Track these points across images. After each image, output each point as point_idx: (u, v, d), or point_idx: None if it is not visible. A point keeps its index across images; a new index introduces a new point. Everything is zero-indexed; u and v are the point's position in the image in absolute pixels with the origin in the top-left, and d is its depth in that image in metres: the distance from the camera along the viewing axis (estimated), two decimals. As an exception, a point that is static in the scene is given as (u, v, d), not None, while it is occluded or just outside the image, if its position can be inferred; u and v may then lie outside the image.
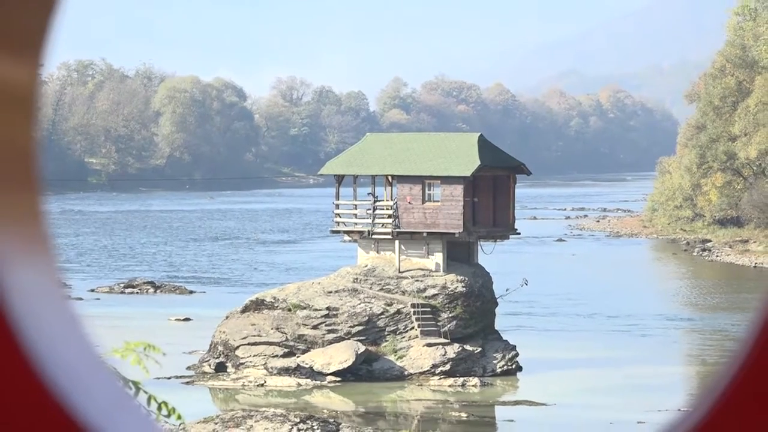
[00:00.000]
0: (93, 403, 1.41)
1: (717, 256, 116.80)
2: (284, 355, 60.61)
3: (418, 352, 60.39)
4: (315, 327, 61.28)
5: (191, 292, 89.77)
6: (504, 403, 55.28)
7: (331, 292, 62.57)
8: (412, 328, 61.15)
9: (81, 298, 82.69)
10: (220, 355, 61.53)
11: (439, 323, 61.39)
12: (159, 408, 12.78)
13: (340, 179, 65.97)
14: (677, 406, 50.91)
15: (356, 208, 65.37)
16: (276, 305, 62.48)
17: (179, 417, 13.57)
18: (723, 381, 1.31)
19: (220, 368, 60.77)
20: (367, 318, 61.27)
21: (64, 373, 1.40)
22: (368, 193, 65.42)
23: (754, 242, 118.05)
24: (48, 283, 1.58)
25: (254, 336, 61.31)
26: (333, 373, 59.06)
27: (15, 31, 1.50)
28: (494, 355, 61.09)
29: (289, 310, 62.02)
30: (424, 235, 63.23)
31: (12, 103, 1.54)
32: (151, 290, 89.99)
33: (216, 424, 47.24)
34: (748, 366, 1.24)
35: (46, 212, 1.67)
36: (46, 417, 1.31)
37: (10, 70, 1.52)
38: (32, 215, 1.60)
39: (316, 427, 46.73)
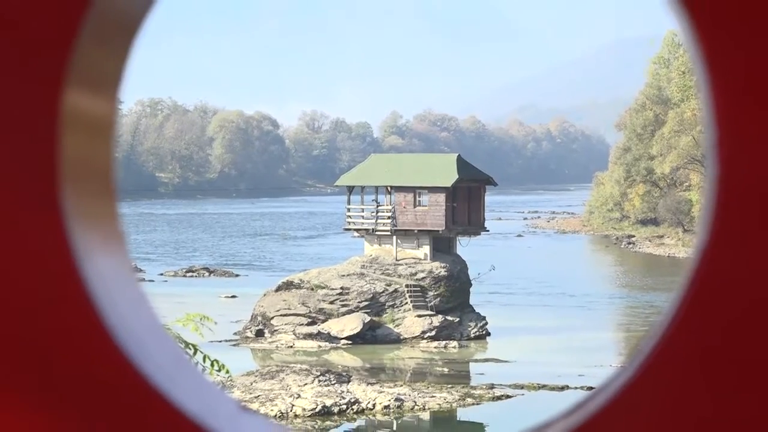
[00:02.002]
0: (156, 363, 1.42)
1: (639, 248, 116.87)
2: (308, 324, 60.65)
3: (410, 322, 60.40)
4: (332, 302, 61.32)
5: (237, 275, 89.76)
6: (476, 361, 55.29)
7: (344, 275, 62.63)
8: (406, 303, 61.17)
9: (152, 280, 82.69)
10: (259, 323, 61.56)
11: (426, 299, 61.43)
12: (212, 364, 12.81)
13: (350, 189, 66.05)
14: (610, 363, 50.91)
15: (363, 211, 65.48)
16: (302, 285, 62.54)
17: (227, 371, 13.60)
18: (649, 344, 1.34)
19: (259, 334, 60.80)
20: (371, 295, 61.30)
21: (133, 339, 1.40)
22: (372, 200, 65.49)
23: (668, 238, 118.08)
24: (122, 269, 1.56)
25: (285, 309, 61.37)
26: (345, 338, 59.10)
27: (98, 74, 1.48)
28: (469, 323, 61.11)
29: (312, 289, 62.05)
30: (416, 232, 63.28)
31: (95, 131, 1.53)
32: (207, 274, 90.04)
33: (255, 376, 47.26)
34: (669, 333, 1.28)
35: (122, 215, 1.66)
36: (118, 375, 1.33)
37: (94, 104, 1.50)
38: (109, 217, 1.58)
39: (332, 379, 46.72)
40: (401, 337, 59.69)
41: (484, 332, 60.86)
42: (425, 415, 43.99)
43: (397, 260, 63.08)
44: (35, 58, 1.35)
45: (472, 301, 63.00)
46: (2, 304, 1.35)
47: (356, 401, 44.21)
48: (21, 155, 1.36)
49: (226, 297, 74.49)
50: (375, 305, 61.17)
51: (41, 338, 1.34)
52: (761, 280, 1.26)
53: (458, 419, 43.87)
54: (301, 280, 63.22)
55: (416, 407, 44.34)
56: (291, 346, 58.67)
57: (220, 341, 54.75)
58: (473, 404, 45.04)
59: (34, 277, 1.35)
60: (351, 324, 59.77)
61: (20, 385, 1.34)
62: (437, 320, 60.26)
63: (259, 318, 61.80)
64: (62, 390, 1.35)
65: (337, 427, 42.35)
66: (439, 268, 62.42)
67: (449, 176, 63.20)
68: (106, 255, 1.49)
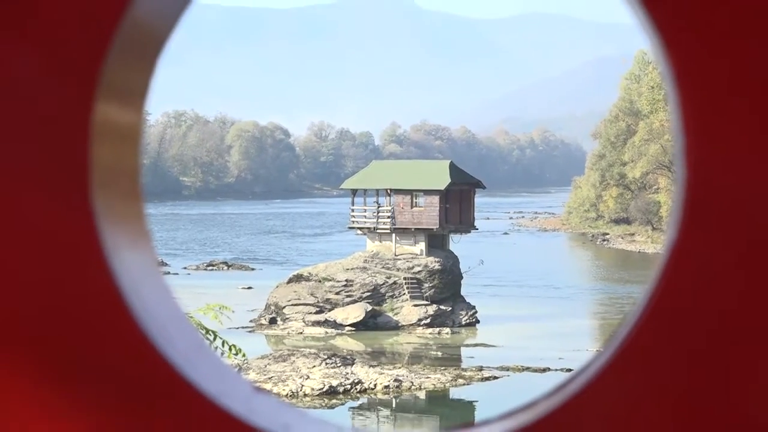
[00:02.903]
0: (178, 349, 1.43)
1: (613, 244, 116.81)
2: (316, 312, 60.64)
3: (408, 310, 60.41)
4: (337, 293, 61.31)
5: (252, 269, 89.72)
6: (467, 345, 55.28)
7: (348, 269, 62.63)
8: (404, 294, 61.18)
9: (177, 273, 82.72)
10: (272, 312, 61.56)
11: (422, 290, 61.43)
12: (230, 349, 12.79)
13: (354, 192, 66.06)
14: (588, 348, 50.92)
15: (365, 212, 65.47)
16: (311, 278, 62.54)
17: (244, 355, 13.58)
18: (623, 331, 1.37)
19: (272, 321, 60.80)
20: (373, 287, 61.30)
21: (157, 327, 1.41)
22: (374, 201, 65.49)
23: (639, 235, 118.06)
24: (147, 264, 1.56)
25: (296, 299, 61.37)
26: (350, 325, 59.11)
27: (125, 88, 1.49)
28: (460, 312, 61.11)
29: (320, 281, 62.04)
30: (412, 230, 63.29)
31: (123, 140, 1.53)
32: (225, 268, 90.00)
33: (269, 359, 47.28)
34: (641, 321, 1.31)
35: (149, 215, 1.67)
36: (143, 360, 1.35)
37: (122, 115, 1.50)
38: (136, 217, 1.58)
39: (338, 362, 46.74)
40: (399, 325, 59.70)
41: (473, 320, 60.87)
42: (421, 394, 44.01)
43: (395, 255, 63.08)
44: (69, 73, 1.37)
45: (463, 292, 63.01)
46: (38, 296, 1.36)
47: (359, 382, 44.24)
48: (56, 161, 1.38)
49: (242, 288, 74.48)
50: (376, 296, 61.19)
51: (73, 326, 1.36)
52: (725, 273, 1.29)
53: (451, 398, 43.90)
54: (309, 273, 63.23)
55: (413, 387, 44.36)
56: (301, 333, 58.69)
57: (238, 328, 54.76)
58: (464, 384, 45.06)
59: (68, 271, 1.37)
60: (354, 312, 59.78)
61: (53, 369, 1.35)
62: (432, 309, 60.27)
63: (273, 307, 61.81)
64: (91, 373, 1.36)
65: (342, 404, 42.36)
66: (433, 262, 62.44)
67: (443, 180, 63.21)
68: (133, 251, 1.49)
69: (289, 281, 63.11)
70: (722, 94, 1.29)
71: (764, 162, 1.28)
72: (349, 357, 48.80)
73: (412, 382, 44.66)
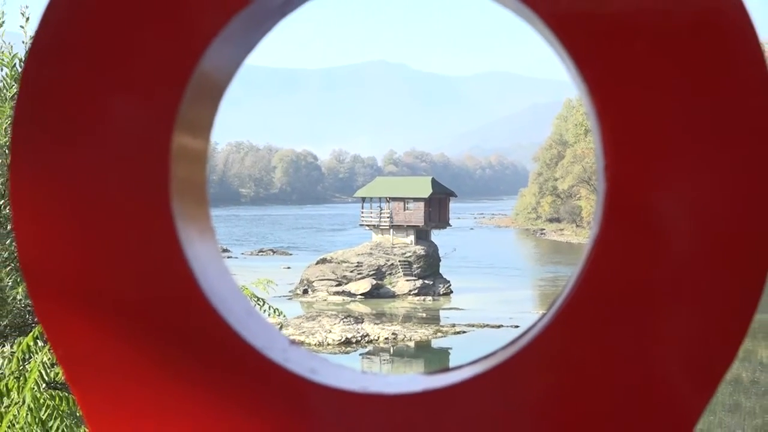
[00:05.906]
0: (234, 314, 1.47)
1: (548, 237, 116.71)
2: (336, 285, 60.64)
3: (402, 284, 60.40)
4: (351, 271, 61.30)
5: (291, 254, 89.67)
6: (444, 309, 55.23)
7: (359, 254, 62.65)
8: (399, 272, 61.18)
9: (236, 257, 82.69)
10: (305, 285, 61.56)
11: (412, 269, 61.43)
12: (274, 312, 12.77)
13: (363, 199, 66.11)
14: (530, 311, 50.88)
15: (372, 213, 65.50)
16: (332, 261, 62.54)
17: (284, 315, 13.54)
18: (560, 299, 1.42)
19: (305, 292, 60.78)
20: (377, 267, 61.30)
21: (218, 298, 1.45)
22: (378, 206, 65.51)
23: (566, 230, 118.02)
24: (212, 252, 1.55)
25: (322, 276, 61.36)
26: (360, 294, 59.11)
27: (196, 123, 1.51)
28: (439, 285, 61.09)
29: (339, 263, 62.03)
30: (405, 226, 63.32)
31: (195, 161, 1.54)
32: (271, 253, 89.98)
33: (302, 319, 47.28)
34: (573, 292, 1.37)
35: (215, 216, 1.66)
36: (207, 324, 1.40)
37: (194, 143, 1.52)
38: (204, 217, 1.57)
39: (352, 321, 46.76)
40: (396, 294, 59.70)
41: (449, 291, 60.86)
42: (411, 344, 43.98)
43: (393, 245, 63.10)
44: (154, 111, 1.43)
45: (441, 270, 63.01)
46: (131, 279, 1.40)
47: (367, 335, 44.25)
48: (144, 176, 1.42)
49: (284, 268, 74.48)
50: (379, 273, 61.19)
51: (155, 300, 1.40)
52: (636, 257, 1.35)
53: (432, 346, 43.87)
54: (331, 257, 63.23)
55: (405, 339, 44.34)
56: (325, 300, 58.68)
57: (280, 297, 54.83)
58: (442, 336, 45.05)
59: (151, 258, 1.41)
60: (364, 285, 59.80)
61: (140, 333, 1.40)
62: (419, 283, 60.28)
63: (305, 281, 61.83)
64: (168, 335, 1.40)
65: (355, 351, 42.35)
66: (420, 249, 62.44)
67: (426, 191, 63.26)
68: (201, 242, 1.50)
69: (317, 263, 63.12)
70: (635, 126, 1.33)
71: (665, 176, 1.33)
72: (359, 317, 48.82)
73: (404, 335, 44.66)
